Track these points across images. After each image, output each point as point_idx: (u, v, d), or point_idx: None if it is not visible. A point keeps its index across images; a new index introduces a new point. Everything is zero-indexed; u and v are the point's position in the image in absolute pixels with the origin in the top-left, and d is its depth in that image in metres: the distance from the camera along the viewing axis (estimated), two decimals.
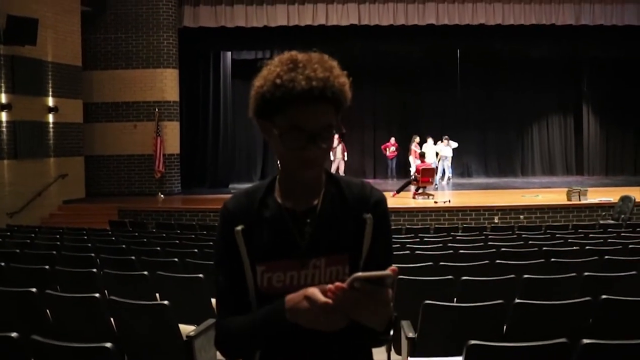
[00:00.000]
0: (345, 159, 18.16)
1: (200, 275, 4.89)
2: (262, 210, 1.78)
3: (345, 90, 1.71)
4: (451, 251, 6.65)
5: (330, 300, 1.52)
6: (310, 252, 1.72)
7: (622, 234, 8.22)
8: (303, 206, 1.77)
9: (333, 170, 16.50)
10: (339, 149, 17.64)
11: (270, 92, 1.66)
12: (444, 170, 18.30)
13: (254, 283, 1.76)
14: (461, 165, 20.26)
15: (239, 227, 1.75)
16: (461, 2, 16.38)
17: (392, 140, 19.05)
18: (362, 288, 1.48)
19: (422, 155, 15.61)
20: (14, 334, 3.06)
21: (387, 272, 1.48)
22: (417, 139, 18.30)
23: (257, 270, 1.75)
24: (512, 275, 4.81)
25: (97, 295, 4.05)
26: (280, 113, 1.67)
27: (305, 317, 1.57)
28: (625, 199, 11.95)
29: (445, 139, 18.09)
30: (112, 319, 4.09)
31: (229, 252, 1.78)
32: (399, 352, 4.30)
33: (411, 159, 18.02)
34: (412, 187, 14.71)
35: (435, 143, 18.21)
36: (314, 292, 1.55)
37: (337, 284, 1.52)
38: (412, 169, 17.05)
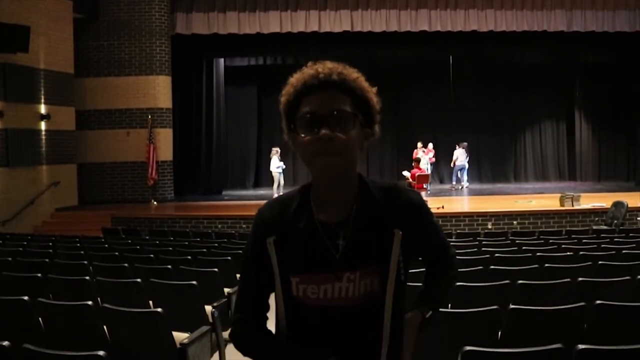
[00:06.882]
0: None
1: (194, 283, 4.86)
2: (296, 221, 1.78)
3: (360, 84, 1.75)
4: None
5: None
6: (344, 265, 1.73)
7: (615, 239, 8.23)
8: (336, 218, 1.77)
9: None
10: None
11: (288, 93, 1.75)
12: (458, 176, 18.66)
13: (282, 291, 1.79)
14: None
15: (272, 238, 1.78)
16: (453, 8, 16.44)
17: (430, 146, 18.96)
18: None
19: (417, 162, 15.63)
20: (5, 343, 3.03)
21: None
22: (430, 146, 18.73)
23: (291, 280, 1.77)
24: (507, 281, 4.80)
25: (90, 303, 4.02)
26: (298, 111, 1.73)
27: None
28: (617, 205, 11.97)
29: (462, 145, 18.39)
30: (105, 327, 4.06)
31: (257, 258, 1.82)
32: None
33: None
34: None
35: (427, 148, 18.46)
36: None
37: None
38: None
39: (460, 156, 18.36)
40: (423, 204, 1.86)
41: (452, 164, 18.69)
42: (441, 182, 20.26)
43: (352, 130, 1.70)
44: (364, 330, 1.73)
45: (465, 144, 18.42)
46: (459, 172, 18.64)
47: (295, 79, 1.75)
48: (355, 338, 1.74)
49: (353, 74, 1.75)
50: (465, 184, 18.56)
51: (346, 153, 1.70)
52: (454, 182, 18.75)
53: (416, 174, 14.68)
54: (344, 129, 1.68)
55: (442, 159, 19.44)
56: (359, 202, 1.78)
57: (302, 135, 1.70)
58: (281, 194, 1.96)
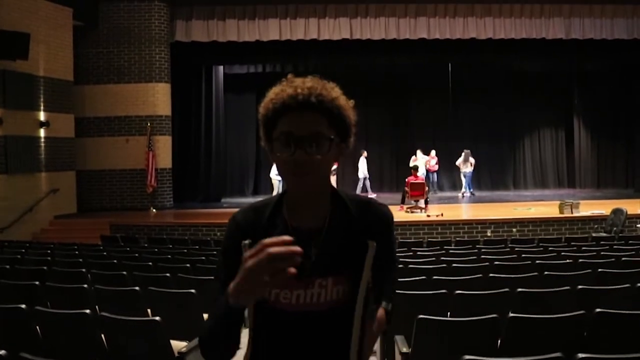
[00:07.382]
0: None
1: (192, 291, 4.84)
2: (270, 228, 1.82)
3: (337, 103, 1.77)
4: (444, 265, 6.62)
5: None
6: (316, 272, 1.78)
7: (615, 247, 8.23)
8: (309, 226, 1.81)
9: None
10: None
11: (267, 108, 1.77)
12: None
13: None
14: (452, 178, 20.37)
15: (247, 241, 1.78)
16: (452, 16, 16.48)
17: (433, 153, 19.08)
18: None
19: (415, 169, 15.59)
20: (2, 352, 3.02)
21: None
22: (433, 153, 18.97)
23: None
24: (506, 289, 4.79)
25: (87, 311, 4.00)
26: (276, 128, 1.75)
27: (244, 287, 1.49)
28: (617, 212, 11.98)
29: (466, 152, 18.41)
30: (102, 336, 4.04)
31: (230, 263, 1.78)
32: None
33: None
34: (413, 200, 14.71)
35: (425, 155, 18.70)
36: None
37: None
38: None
39: (461, 163, 18.39)
40: (392, 219, 1.91)
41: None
42: (441, 189, 20.26)
43: (328, 153, 1.74)
44: (333, 335, 1.79)
45: (467, 151, 18.41)
46: (463, 179, 18.67)
47: (274, 93, 1.77)
48: (324, 342, 1.79)
49: (332, 93, 1.77)
50: (464, 190, 18.55)
51: (320, 171, 1.76)
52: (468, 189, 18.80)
53: (411, 182, 14.66)
54: (320, 150, 1.72)
55: (441, 167, 19.45)
56: (333, 212, 1.83)
57: (279, 153, 1.74)
58: (256, 201, 1.98)
